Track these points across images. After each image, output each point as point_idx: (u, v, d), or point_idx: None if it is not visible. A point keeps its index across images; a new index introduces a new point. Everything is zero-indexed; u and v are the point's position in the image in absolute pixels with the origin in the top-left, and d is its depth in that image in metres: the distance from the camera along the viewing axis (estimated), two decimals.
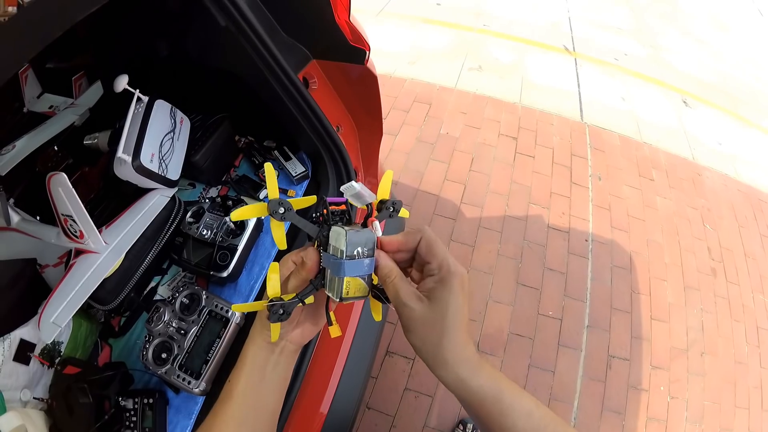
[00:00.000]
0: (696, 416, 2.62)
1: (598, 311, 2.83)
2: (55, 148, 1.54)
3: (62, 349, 1.21)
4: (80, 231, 1.14)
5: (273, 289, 0.60)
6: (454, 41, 4.66)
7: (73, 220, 1.13)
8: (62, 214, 1.15)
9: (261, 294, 1.37)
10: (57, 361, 1.20)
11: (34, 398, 1.13)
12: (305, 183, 1.57)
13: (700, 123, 4.32)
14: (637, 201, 3.46)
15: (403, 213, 0.65)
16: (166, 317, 1.21)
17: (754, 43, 5.72)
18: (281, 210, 0.58)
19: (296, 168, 1.54)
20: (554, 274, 2.93)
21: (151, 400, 1.14)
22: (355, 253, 0.58)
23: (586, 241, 3.13)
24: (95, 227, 1.15)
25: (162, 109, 1.35)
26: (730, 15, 6.10)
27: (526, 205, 3.24)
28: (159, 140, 1.32)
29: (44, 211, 1.33)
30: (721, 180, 3.87)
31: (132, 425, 1.11)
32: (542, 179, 3.42)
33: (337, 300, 0.59)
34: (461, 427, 2.34)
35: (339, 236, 0.58)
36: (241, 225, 1.36)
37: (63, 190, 1.10)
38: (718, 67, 5.08)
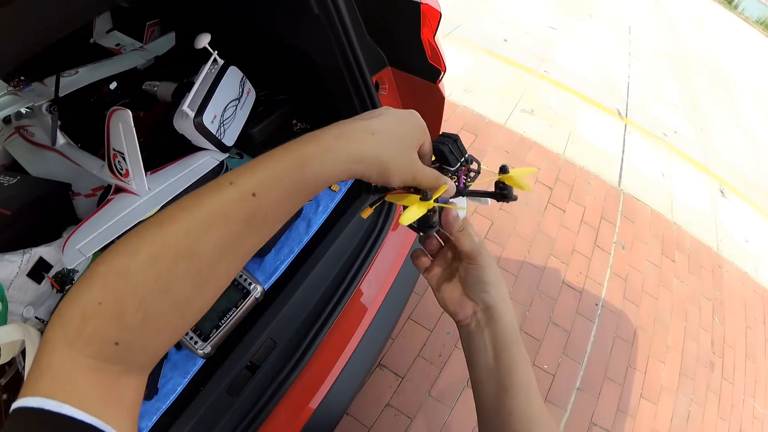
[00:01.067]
0: None
1: (591, 376, 2.85)
2: (113, 85, 1.58)
3: (75, 278, 1.22)
4: (127, 170, 1.14)
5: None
6: (512, 80, 4.72)
7: (123, 158, 1.13)
8: (114, 149, 1.15)
9: (284, 276, 1.40)
10: (67, 288, 1.20)
11: (36, 317, 1.14)
12: (351, 182, 1.58)
13: (732, 215, 4.36)
14: (654, 278, 3.50)
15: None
16: None
17: None
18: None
19: None
20: (558, 329, 2.96)
21: None
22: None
23: (596, 305, 3.16)
24: (144, 170, 1.16)
25: (234, 75, 1.35)
26: None
27: (546, 255, 3.28)
28: (224, 104, 1.32)
29: (85, 141, 1.37)
30: (740, 277, 3.90)
31: None
32: (568, 235, 3.47)
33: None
34: None
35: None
36: None
37: (123, 127, 1.10)
38: (763, 166, 5.09)
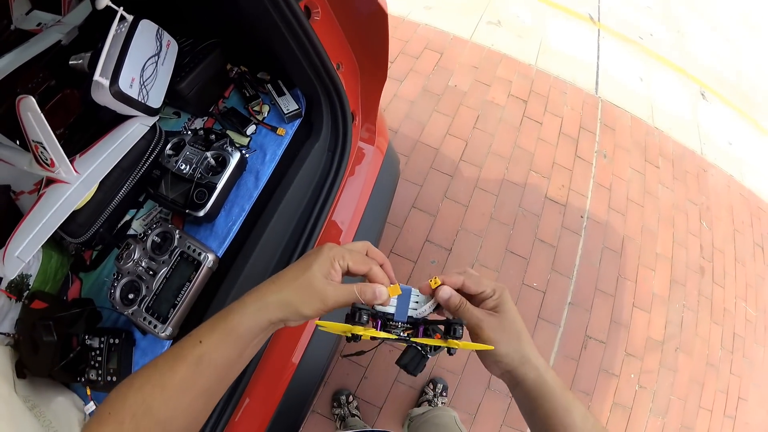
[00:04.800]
0: (661, 409, 2.63)
1: (582, 290, 2.80)
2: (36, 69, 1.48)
3: (31, 282, 1.18)
4: (51, 159, 1.09)
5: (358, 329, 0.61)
6: None
7: (44, 148, 1.08)
8: (33, 140, 1.10)
9: (238, 237, 1.30)
10: (25, 294, 1.17)
11: (1, 333, 1.12)
12: (297, 122, 1.46)
13: (714, 119, 4.22)
14: (639, 186, 3.39)
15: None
16: (136, 255, 1.18)
17: None
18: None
19: (289, 105, 1.42)
20: (545, 246, 2.87)
21: (117, 341, 1.12)
22: None
23: (582, 217, 3.06)
24: (65, 156, 1.10)
25: (147, 30, 1.25)
26: (762, 16, 5.88)
27: (526, 171, 3.14)
28: (141, 64, 1.23)
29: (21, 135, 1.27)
30: (725, 180, 3.81)
31: (97, 365, 1.10)
32: (547, 148, 3.31)
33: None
34: (431, 386, 2.30)
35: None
36: (222, 162, 1.27)
37: (32, 115, 1.06)
38: (741, 67, 4.92)
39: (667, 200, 3.40)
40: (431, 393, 2.30)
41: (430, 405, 2.27)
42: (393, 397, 2.32)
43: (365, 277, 0.66)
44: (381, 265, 0.68)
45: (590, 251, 2.94)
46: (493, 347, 0.63)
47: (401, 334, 0.64)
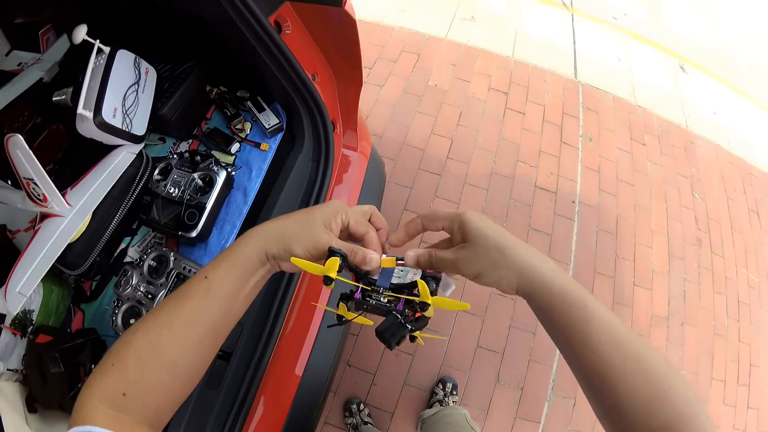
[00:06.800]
0: None
1: (581, 274, 2.80)
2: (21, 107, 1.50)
3: (34, 318, 1.20)
4: (43, 194, 1.12)
5: (330, 269, 0.59)
6: None
7: (35, 184, 1.11)
8: (24, 178, 1.13)
9: None
10: (29, 330, 1.19)
11: (8, 369, 1.13)
12: (279, 135, 1.48)
13: (696, 90, 4.22)
14: (627, 165, 3.39)
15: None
16: (134, 281, 1.20)
17: (758, 16, 5.56)
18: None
19: (270, 120, 1.45)
20: (539, 234, 2.87)
21: None
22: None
23: (573, 202, 3.06)
24: (57, 190, 1.13)
25: (125, 59, 1.29)
26: None
27: (513, 163, 3.15)
28: (122, 93, 1.26)
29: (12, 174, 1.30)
30: (713, 150, 3.81)
31: None
32: (532, 137, 3.32)
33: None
34: (441, 386, 2.30)
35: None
36: (210, 182, 1.30)
37: (21, 153, 1.09)
38: (719, 37, 4.94)
39: (657, 176, 3.40)
40: (441, 393, 2.29)
41: (441, 405, 2.26)
42: (404, 401, 2.32)
43: (361, 241, 0.67)
44: (378, 230, 0.69)
45: (585, 235, 2.94)
46: (468, 306, 0.61)
47: (381, 299, 0.62)
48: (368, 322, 0.65)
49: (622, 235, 3.02)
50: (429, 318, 0.60)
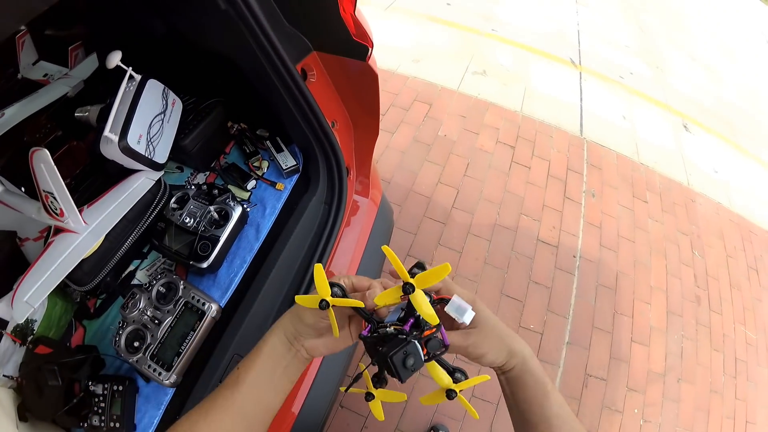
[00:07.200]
0: None
1: (579, 329, 2.82)
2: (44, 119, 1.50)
3: (35, 328, 1.19)
4: (60, 209, 1.12)
5: (322, 289, 0.63)
6: (460, 43, 4.61)
7: (54, 198, 1.10)
8: (44, 191, 1.12)
9: (240, 287, 1.34)
10: (29, 339, 1.18)
11: (3, 375, 1.11)
12: (295, 177, 1.54)
13: (698, 148, 4.32)
14: (629, 221, 3.45)
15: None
16: (142, 305, 1.19)
17: (760, 74, 5.71)
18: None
19: (287, 161, 1.51)
20: (539, 287, 2.91)
21: (120, 388, 1.13)
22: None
23: (574, 257, 3.11)
24: (75, 207, 1.12)
25: (154, 89, 1.31)
26: (739, 43, 6.08)
27: (517, 215, 3.21)
28: (148, 121, 1.28)
29: (30, 182, 1.28)
30: (714, 208, 3.87)
31: (100, 411, 1.11)
32: (536, 191, 3.40)
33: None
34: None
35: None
36: (225, 216, 1.33)
37: (45, 167, 1.08)
38: (722, 95, 5.07)
39: (657, 233, 3.46)
40: None
41: None
42: None
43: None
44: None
45: (585, 290, 2.98)
46: (488, 378, 0.69)
47: (389, 330, 0.63)
48: (401, 396, 0.70)
49: (621, 290, 3.05)
50: (442, 342, 0.64)
